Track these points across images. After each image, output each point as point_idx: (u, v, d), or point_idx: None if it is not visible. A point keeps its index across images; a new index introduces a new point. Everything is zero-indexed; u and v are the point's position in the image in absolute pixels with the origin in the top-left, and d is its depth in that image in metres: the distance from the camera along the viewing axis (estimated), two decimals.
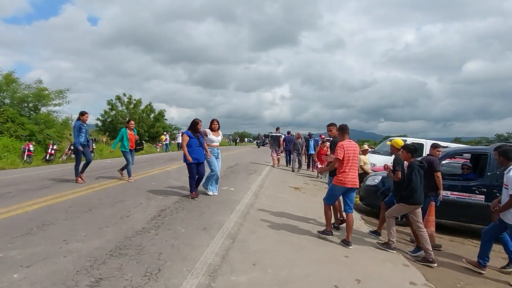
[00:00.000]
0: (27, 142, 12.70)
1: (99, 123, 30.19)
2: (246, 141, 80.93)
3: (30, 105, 16.15)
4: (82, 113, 7.78)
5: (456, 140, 40.40)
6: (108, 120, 29.88)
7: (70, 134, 16.42)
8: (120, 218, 4.83)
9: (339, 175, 4.56)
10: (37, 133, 14.66)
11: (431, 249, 4.41)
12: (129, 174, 8.16)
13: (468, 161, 7.34)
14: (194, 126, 6.38)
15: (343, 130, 4.73)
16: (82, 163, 7.85)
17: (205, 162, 6.59)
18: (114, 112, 29.89)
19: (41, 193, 6.26)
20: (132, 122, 8.46)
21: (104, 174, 9.34)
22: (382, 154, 11.93)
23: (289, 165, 14.33)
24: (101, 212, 5.08)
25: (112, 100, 29.91)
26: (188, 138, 6.27)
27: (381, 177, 7.22)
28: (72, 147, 14.42)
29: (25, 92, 15.77)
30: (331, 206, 5.00)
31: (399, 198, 4.71)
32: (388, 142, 8.67)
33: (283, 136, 14.85)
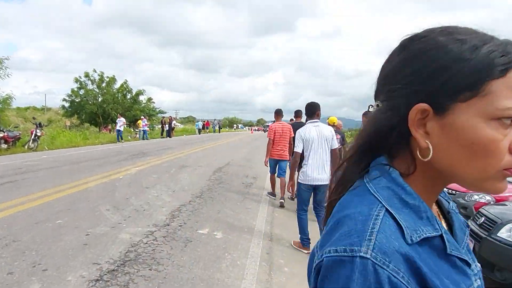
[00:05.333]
0: None
1: (66, 105, 25.99)
2: (239, 127, 77.19)
3: None
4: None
5: None
6: (76, 100, 25.71)
7: (34, 118, 13.45)
8: None
9: (271, 152, 5.56)
10: None
11: None
12: None
13: None
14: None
15: (276, 114, 5.73)
16: None
17: None
18: (83, 91, 25.72)
19: None
20: None
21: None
22: None
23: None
24: None
25: (80, 77, 25.58)
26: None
27: None
28: (36, 131, 11.36)
29: None
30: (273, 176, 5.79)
31: None
32: None
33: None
